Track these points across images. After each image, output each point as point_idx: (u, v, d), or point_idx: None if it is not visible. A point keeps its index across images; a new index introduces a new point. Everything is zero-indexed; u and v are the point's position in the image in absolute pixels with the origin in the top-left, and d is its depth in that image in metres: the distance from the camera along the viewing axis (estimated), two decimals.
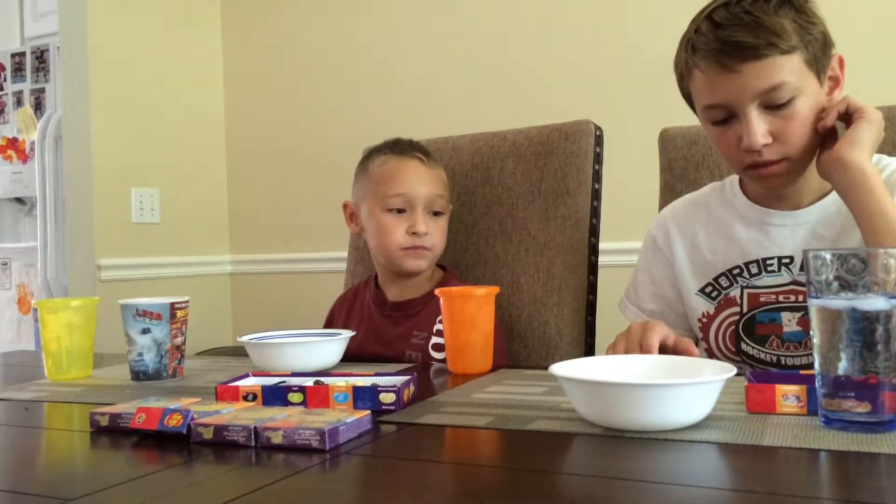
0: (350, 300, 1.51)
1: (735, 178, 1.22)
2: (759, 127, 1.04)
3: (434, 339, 1.35)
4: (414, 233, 1.37)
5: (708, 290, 1.20)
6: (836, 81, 1.11)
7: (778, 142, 1.05)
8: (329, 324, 1.52)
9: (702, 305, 1.20)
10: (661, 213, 1.31)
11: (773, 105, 1.04)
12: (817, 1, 1.08)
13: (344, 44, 2.85)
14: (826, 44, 1.07)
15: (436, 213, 1.41)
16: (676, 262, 1.23)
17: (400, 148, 1.44)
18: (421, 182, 1.40)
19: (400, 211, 1.39)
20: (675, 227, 1.25)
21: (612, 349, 1.02)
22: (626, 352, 0.99)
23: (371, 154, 1.47)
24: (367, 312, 1.44)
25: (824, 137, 1.07)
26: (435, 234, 1.40)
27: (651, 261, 1.28)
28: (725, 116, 1.07)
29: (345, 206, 1.50)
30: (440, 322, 1.34)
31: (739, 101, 1.04)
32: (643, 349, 0.97)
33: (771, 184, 1.11)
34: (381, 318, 1.42)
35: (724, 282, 1.18)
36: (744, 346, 1.16)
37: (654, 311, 1.26)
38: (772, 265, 1.14)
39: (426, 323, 1.36)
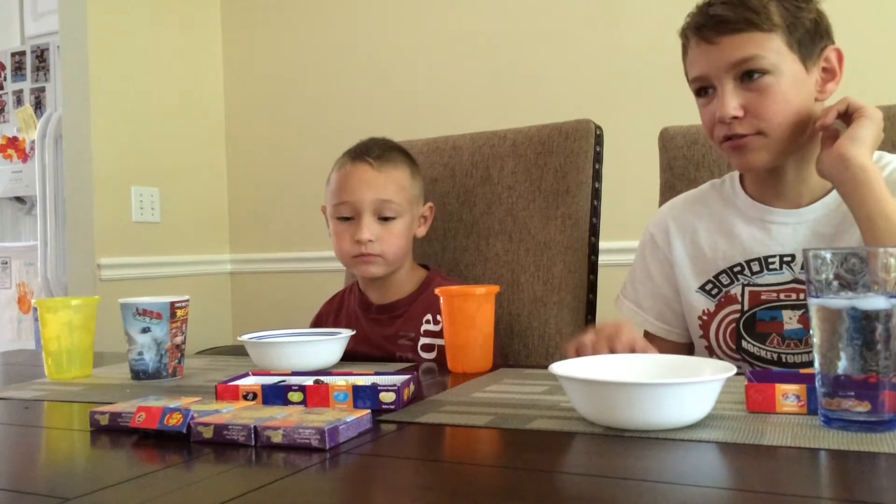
0: (336, 307, 1.50)
1: (735, 175, 1.23)
2: (731, 99, 1.07)
3: (423, 340, 1.34)
4: (358, 241, 1.35)
5: (708, 287, 1.20)
6: (831, 74, 1.12)
7: (750, 116, 1.08)
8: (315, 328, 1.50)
9: (702, 303, 1.20)
10: (660, 210, 1.31)
11: (747, 78, 1.07)
12: None
13: (344, 43, 2.85)
14: (817, 32, 1.09)
15: (387, 219, 1.37)
16: (676, 259, 1.23)
17: (357, 151, 1.41)
18: (367, 188, 1.36)
19: (348, 218, 1.37)
20: (674, 224, 1.25)
21: (578, 341, 1.02)
22: (593, 348, 1.00)
23: (338, 158, 1.45)
24: (353, 317, 1.43)
25: (825, 137, 1.07)
26: (385, 239, 1.36)
27: (649, 258, 1.28)
28: (707, 91, 1.12)
29: (322, 209, 1.48)
30: (427, 322, 1.34)
31: (716, 72, 1.09)
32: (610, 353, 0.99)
33: (746, 160, 1.11)
34: (367, 322, 1.40)
35: (724, 279, 1.18)
36: (744, 343, 1.16)
37: (653, 308, 1.26)
38: (773, 263, 1.14)
39: (413, 323, 1.36)
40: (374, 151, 1.40)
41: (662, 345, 1.24)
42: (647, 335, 1.27)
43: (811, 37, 1.08)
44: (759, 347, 1.15)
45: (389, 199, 1.37)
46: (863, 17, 2.04)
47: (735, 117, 1.07)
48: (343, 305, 1.49)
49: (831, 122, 1.06)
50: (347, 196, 1.37)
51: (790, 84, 1.07)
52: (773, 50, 1.06)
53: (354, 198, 1.36)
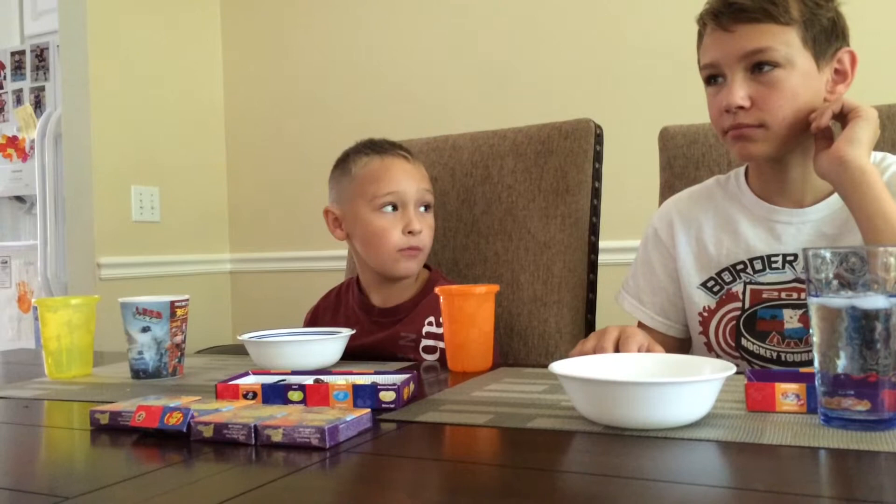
0: (333, 305, 1.48)
1: (740, 172, 1.23)
2: (739, 88, 1.07)
3: (425, 342, 1.33)
4: (410, 231, 1.35)
5: (710, 284, 1.20)
6: (843, 76, 1.11)
7: (757, 108, 1.08)
8: (311, 326, 1.48)
9: (703, 299, 1.20)
10: (665, 204, 1.31)
11: (757, 70, 1.07)
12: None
13: (344, 43, 2.85)
14: (833, 32, 1.09)
15: (426, 209, 1.40)
16: (679, 254, 1.23)
17: (381, 147, 1.41)
18: (409, 179, 1.38)
19: (393, 208, 1.36)
20: (679, 219, 1.25)
21: (581, 346, 1.01)
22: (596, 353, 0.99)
23: (350, 156, 1.43)
24: (353, 317, 1.42)
25: (819, 138, 1.07)
26: (426, 232, 1.38)
27: (651, 252, 1.28)
28: (716, 79, 1.12)
29: (326, 212, 1.44)
30: (429, 324, 1.34)
31: (727, 61, 1.09)
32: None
33: (746, 149, 1.11)
34: (368, 323, 1.39)
35: (726, 277, 1.18)
36: (744, 341, 1.16)
37: (655, 303, 1.26)
38: (776, 262, 1.14)
39: (414, 325, 1.35)
40: (397, 146, 1.42)
41: (661, 339, 1.24)
42: (643, 328, 1.27)
43: (827, 36, 1.08)
44: (759, 346, 1.15)
45: (428, 189, 1.41)
46: (862, 18, 2.04)
47: (741, 107, 1.07)
48: (341, 303, 1.48)
49: (826, 123, 1.06)
50: (393, 186, 1.36)
51: (800, 80, 1.07)
52: (786, 43, 1.06)
53: (402, 188, 1.36)
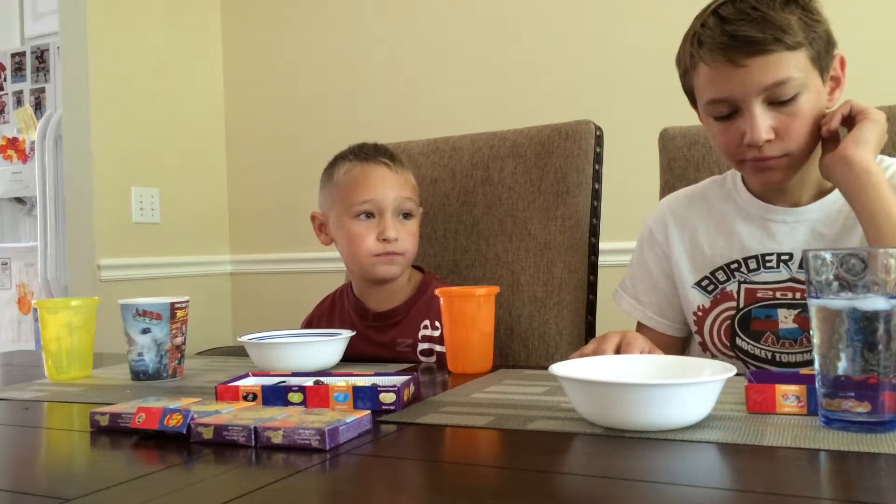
0: (328, 311, 1.48)
1: (737, 171, 1.22)
2: (763, 122, 1.04)
3: (421, 346, 1.33)
4: (385, 239, 1.34)
5: (704, 283, 1.20)
6: (837, 81, 1.11)
7: (780, 138, 1.05)
8: None
9: (697, 299, 1.20)
10: (659, 204, 1.31)
11: (778, 101, 1.04)
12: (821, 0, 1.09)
13: (344, 43, 2.85)
14: (829, 43, 1.07)
15: (406, 216, 1.38)
16: (673, 254, 1.23)
17: (365, 153, 1.40)
18: (388, 187, 1.36)
19: (369, 216, 1.36)
20: (673, 220, 1.25)
21: (581, 352, 1.00)
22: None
23: (335, 162, 1.43)
24: (348, 323, 1.41)
25: (826, 140, 1.07)
26: (406, 238, 1.36)
27: (647, 253, 1.28)
28: (729, 112, 1.07)
29: (312, 217, 1.45)
30: (424, 327, 1.34)
31: (745, 95, 1.04)
32: None
33: (769, 178, 1.10)
34: (364, 328, 1.38)
35: (721, 276, 1.18)
36: (738, 341, 1.16)
37: (652, 303, 1.26)
38: (771, 261, 1.14)
39: (410, 330, 1.35)
40: (382, 153, 1.40)
41: (659, 338, 1.24)
42: (641, 328, 1.27)
43: (826, 48, 1.07)
44: (754, 345, 1.15)
45: (409, 197, 1.39)
46: (861, 17, 2.04)
47: (767, 140, 1.05)
48: (335, 309, 1.47)
49: (836, 126, 1.06)
50: (371, 194, 1.35)
51: (814, 99, 1.06)
52: (800, 68, 1.03)
53: (379, 196, 1.35)
